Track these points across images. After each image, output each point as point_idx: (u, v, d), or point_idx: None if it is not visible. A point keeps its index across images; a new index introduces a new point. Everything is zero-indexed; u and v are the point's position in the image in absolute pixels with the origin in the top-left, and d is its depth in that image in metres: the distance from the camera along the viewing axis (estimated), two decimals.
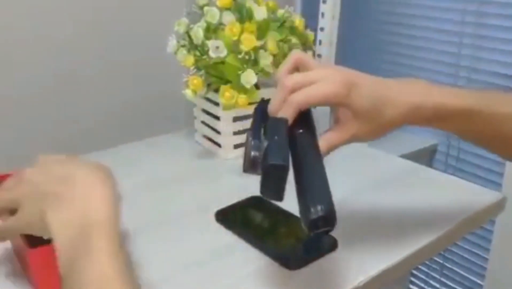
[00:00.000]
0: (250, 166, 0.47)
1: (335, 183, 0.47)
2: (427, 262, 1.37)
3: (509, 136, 0.56)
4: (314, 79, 0.51)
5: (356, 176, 0.81)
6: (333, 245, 0.60)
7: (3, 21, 0.95)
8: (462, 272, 1.27)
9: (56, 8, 1.00)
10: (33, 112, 1.02)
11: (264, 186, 0.45)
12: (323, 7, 1.06)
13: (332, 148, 0.52)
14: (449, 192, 0.76)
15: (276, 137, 0.47)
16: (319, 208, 0.43)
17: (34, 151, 1.00)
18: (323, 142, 0.52)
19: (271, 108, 0.52)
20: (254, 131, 0.50)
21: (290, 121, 0.50)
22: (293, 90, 0.50)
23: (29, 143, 1.01)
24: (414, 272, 1.42)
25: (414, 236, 0.64)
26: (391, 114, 0.52)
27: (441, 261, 1.32)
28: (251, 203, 0.70)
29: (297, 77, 0.52)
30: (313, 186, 0.46)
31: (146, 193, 0.79)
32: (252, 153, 0.47)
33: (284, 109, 0.50)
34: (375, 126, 0.53)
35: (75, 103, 1.07)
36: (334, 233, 0.47)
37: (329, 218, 0.43)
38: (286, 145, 0.47)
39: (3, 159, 0.88)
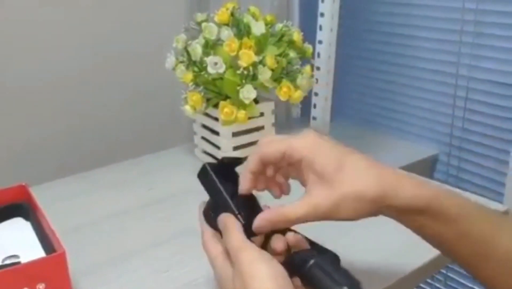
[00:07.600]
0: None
1: None
2: None
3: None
4: None
5: None
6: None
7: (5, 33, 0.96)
8: (465, 282, 1.26)
9: (53, 23, 1.00)
10: (32, 129, 1.02)
11: None
12: (321, 20, 1.06)
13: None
14: None
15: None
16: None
17: (32, 167, 0.97)
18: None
19: None
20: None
21: None
22: None
23: (27, 159, 1.01)
24: None
25: (417, 253, 0.64)
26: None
27: (444, 271, 1.31)
28: None
29: None
30: None
31: (146, 209, 0.79)
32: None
33: None
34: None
35: (73, 120, 1.07)
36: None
37: None
38: None
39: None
